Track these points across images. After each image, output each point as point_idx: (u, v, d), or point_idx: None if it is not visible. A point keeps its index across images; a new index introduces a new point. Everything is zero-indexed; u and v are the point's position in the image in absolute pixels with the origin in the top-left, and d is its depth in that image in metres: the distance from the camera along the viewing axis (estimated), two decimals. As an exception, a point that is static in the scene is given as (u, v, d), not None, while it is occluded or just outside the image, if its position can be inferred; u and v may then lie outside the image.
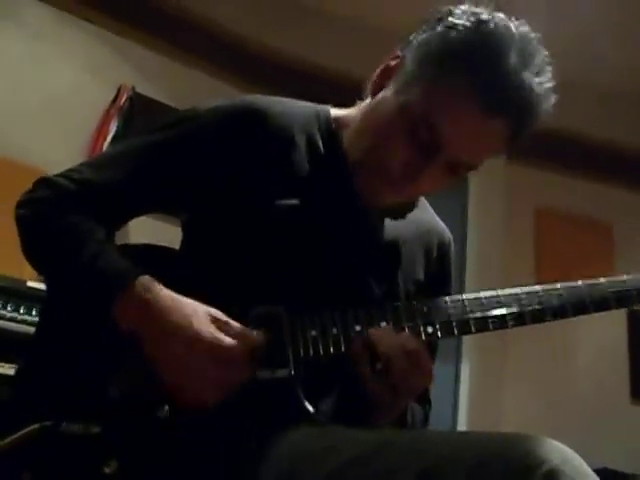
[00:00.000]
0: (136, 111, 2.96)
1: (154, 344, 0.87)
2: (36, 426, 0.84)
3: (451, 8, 0.96)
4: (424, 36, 0.96)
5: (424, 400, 1.10)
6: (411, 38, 0.99)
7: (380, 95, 1.02)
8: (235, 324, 0.88)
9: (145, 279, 0.89)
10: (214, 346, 0.85)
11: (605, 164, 3.81)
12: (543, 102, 0.93)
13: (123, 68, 3.09)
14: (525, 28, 0.93)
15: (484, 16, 0.92)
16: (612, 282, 1.00)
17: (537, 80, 0.91)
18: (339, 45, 3.33)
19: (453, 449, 0.71)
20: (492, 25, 0.91)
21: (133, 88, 3.01)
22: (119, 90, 3.00)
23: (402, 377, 0.90)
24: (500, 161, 3.71)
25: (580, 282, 1.00)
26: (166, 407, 0.88)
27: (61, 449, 0.86)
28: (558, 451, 0.67)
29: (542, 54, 0.93)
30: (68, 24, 2.99)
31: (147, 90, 3.05)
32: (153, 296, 0.88)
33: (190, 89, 3.08)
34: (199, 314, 0.87)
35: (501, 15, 0.93)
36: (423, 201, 1.19)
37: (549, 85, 0.93)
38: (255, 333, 0.88)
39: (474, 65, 0.90)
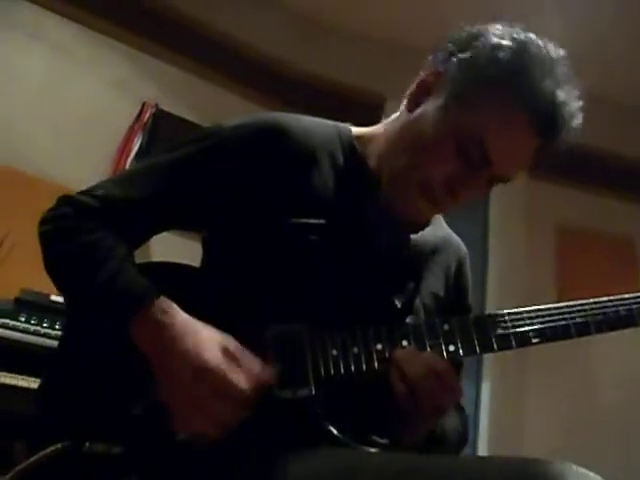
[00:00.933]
0: (159, 128, 2.99)
1: (162, 368, 0.87)
2: (58, 446, 0.85)
3: (487, 26, 0.99)
4: (467, 54, 0.98)
5: (456, 408, 1.10)
6: (450, 54, 1.01)
7: (419, 111, 1.02)
8: (247, 357, 0.87)
9: (162, 301, 0.90)
10: (219, 380, 0.85)
11: (627, 180, 3.77)
12: (576, 121, 0.97)
13: (147, 85, 3.13)
14: (558, 50, 0.97)
15: (522, 36, 0.96)
16: (637, 298, 0.99)
17: (572, 101, 0.96)
18: (363, 64, 3.35)
19: (476, 475, 0.70)
20: (534, 47, 0.95)
21: (157, 105, 3.05)
22: (143, 107, 3.04)
23: (431, 398, 0.89)
24: (521, 178, 3.70)
25: (605, 298, 0.99)
26: None
27: (83, 469, 0.86)
28: (583, 477, 0.66)
29: (571, 75, 0.97)
30: (91, 41, 3.04)
31: (170, 107, 3.08)
32: (169, 319, 0.88)
33: (213, 106, 3.11)
34: (211, 343, 0.87)
35: (533, 36, 0.97)
36: (439, 216, 1.20)
37: (579, 105, 0.98)
38: (265, 370, 0.88)
39: (522, 87, 0.93)
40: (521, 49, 0.95)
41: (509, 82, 0.94)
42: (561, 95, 0.94)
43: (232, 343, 0.88)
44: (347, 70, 3.45)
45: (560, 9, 3.09)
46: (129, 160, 2.90)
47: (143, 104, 3.05)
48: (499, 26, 0.99)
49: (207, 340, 0.87)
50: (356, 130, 1.12)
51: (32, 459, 0.84)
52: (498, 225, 3.66)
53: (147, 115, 3.03)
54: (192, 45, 3.28)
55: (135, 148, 2.94)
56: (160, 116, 3.03)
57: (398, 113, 1.08)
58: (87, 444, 0.85)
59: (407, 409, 0.91)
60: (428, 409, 0.90)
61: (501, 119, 0.95)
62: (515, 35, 0.96)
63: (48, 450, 0.84)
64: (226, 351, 0.87)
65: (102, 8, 3.08)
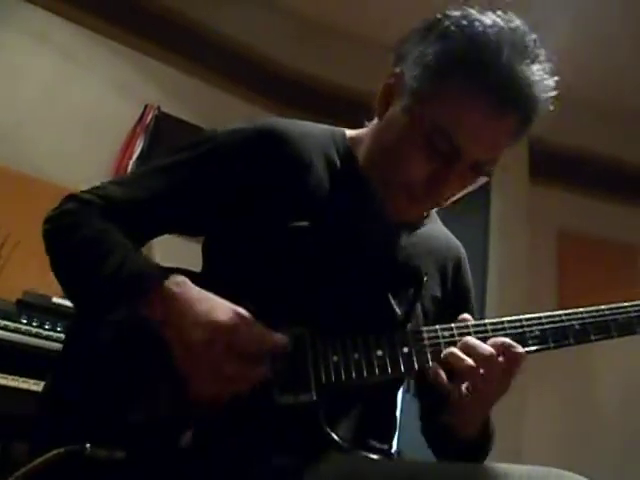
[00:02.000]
0: (162, 130, 3.00)
1: (176, 332, 0.87)
2: (61, 450, 0.84)
3: (438, 15, 0.98)
4: (419, 49, 0.98)
5: None
6: (403, 52, 1.01)
7: (388, 114, 1.03)
8: (259, 325, 0.88)
9: (175, 275, 0.90)
10: (232, 338, 0.85)
11: (629, 186, 3.78)
12: (543, 89, 0.94)
13: (149, 87, 3.14)
14: (515, 21, 0.95)
15: (472, 17, 0.94)
16: (636, 306, 0.99)
17: (534, 69, 0.93)
18: (365, 67, 3.35)
19: None
20: (481, 27, 0.93)
21: (159, 107, 3.06)
22: (145, 109, 3.05)
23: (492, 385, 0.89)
24: (522, 183, 3.70)
25: (603, 306, 0.99)
26: (189, 433, 0.87)
27: (85, 474, 0.86)
28: None
29: (533, 43, 0.94)
30: (95, 44, 3.05)
31: (173, 109, 3.09)
32: (181, 289, 0.89)
33: (215, 108, 3.12)
34: (224, 307, 0.88)
35: (490, 12, 0.95)
36: (434, 216, 1.20)
37: (546, 71, 0.94)
38: (278, 337, 0.88)
39: (474, 70, 0.92)
40: (469, 33, 0.93)
41: (461, 69, 0.93)
42: (518, 68, 0.91)
43: (245, 311, 0.88)
44: (349, 73, 3.46)
45: (565, 12, 3.09)
46: (131, 162, 2.90)
47: (145, 106, 3.06)
48: (453, 11, 0.97)
49: (220, 304, 0.88)
50: (350, 133, 1.13)
51: (33, 463, 0.84)
52: (499, 230, 3.66)
53: (149, 117, 3.04)
54: (194, 48, 3.29)
55: (137, 150, 2.95)
56: (162, 118, 3.04)
57: (372, 125, 1.09)
58: (89, 448, 0.85)
59: (460, 403, 0.90)
60: (483, 396, 0.90)
61: (460, 106, 0.93)
62: (464, 18, 0.94)
63: (50, 454, 0.84)
64: (238, 314, 0.87)
65: (106, 11, 3.09)
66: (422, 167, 0.97)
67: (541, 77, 0.94)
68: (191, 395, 0.86)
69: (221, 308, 0.87)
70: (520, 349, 0.90)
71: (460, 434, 0.97)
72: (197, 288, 0.90)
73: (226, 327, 0.85)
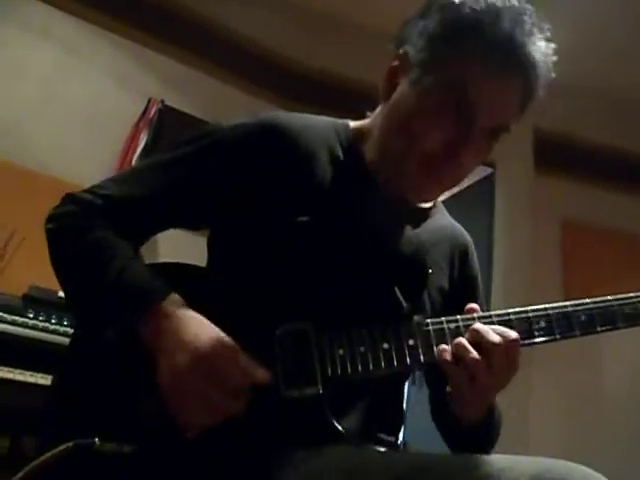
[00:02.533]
0: (165, 124, 2.99)
1: (161, 352, 0.88)
2: (70, 444, 0.85)
3: None
4: (421, 24, 1.01)
5: None
6: (405, 34, 1.04)
7: (395, 95, 1.04)
8: (244, 357, 0.87)
9: (170, 297, 0.91)
10: (215, 366, 0.85)
11: (634, 176, 3.76)
12: (544, 55, 0.97)
13: (152, 81, 3.13)
14: None
15: None
16: None
17: (534, 36, 0.96)
18: (370, 58, 3.34)
19: (483, 477, 0.71)
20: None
21: (162, 101, 3.05)
22: (148, 103, 3.05)
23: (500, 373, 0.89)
24: (527, 174, 3.69)
25: (610, 297, 0.99)
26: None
27: (94, 468, 0.87)
28: (591, 479, 0.67)
29: (532, 12, 0.98)
30: (98, 37, 3.04)
31: (176, 103, 3.09)
32: (173, 311, 0.89)
33: (219, 101, 3.12)
34: (212, 335, 0.87)
35: None
36: (440, 207, 1.20)
37: (546, 39, 0.98)
38: (260, 372, 0.87)
39: (478, 33, 0.95)
40: (469, 2, 0.96)
41: (465, 33, 0.96)
42: (519, 34, 0.95)
43: (231, 342, 0.88)
44: (356, 65, 3.45)
45: (562, 2, 3.08)
46: (135, 156, 2.90)
47: (149, 100, 3.05)
48: None
49: (208, 331, 0.88)
50: (354, 124, 1.13)
51: (42, 458, 0.85)
52: (504, 221, 3.66)
53: (153, 111, 3.03)
54: (198, 41, 3.28)
55: (141, 144, 2.94)
56: (166, 112, 3.03)
57: (378, 111, 1.10)
58: (98, 442, 0.85)
59: (465, 391, 0.90)
60: (490, 387, 0.90)
61: (470, 67, 0.96)
62: None
63: (59, 448, 0.85)
64: (224, 344, 0.87)
65: (108, 5, 3.09)
66: (439, 133, 0.97)
67: (541, 43, 0.97)
68: (172, 415, 0.86)
69: (209, 336, 0.87)
70: (513, 334, 0.90)
71: (464, 421, 0.97)
72: (189, 310, 0.90)
73: (210, 356, 0.85)
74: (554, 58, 0.99)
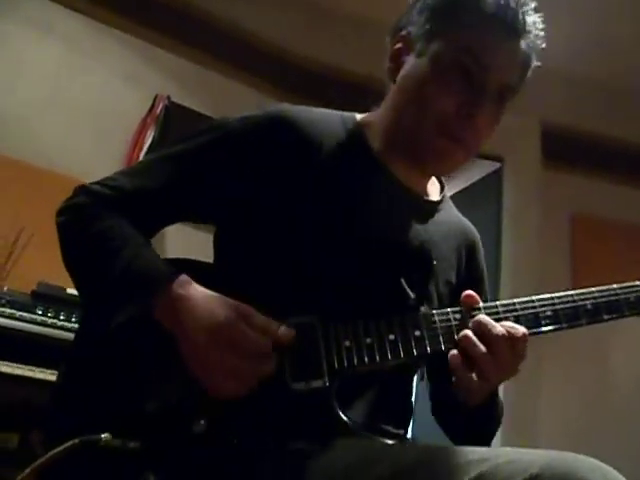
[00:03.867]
0: (172, 120, 2.99)
1: (181, 332, 0.88)
2: (76, 440, 0.85)
3: None
4: (419, 4, 1.07)
5: None
6: (404, 18, 1.09)
7: (402, 72, 1.07)
8: (261, 317, 0.88)
9: (181, 277, 0.91)
10: (233, 336, 0.86)
11: (643, 169, 3.74)
12: (536, 25, 1.04)
13: (159, 77, 3.13)
14: None
15: None
16: None
17: (525, 8, 1.02)
18: (376, 53, 3.33)
19: (492, 469, 0.70)
20: None
21: (169, 97, 3.05)
22: (155, 99, 3.05)
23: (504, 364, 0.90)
24: (535, 167, 3.67)
25: (615, 285, 0.99)
26: (202, 421, 0.88)
27: (100, 464, 0.87)
28: (601, 472, 0.66)
29: None
30: (104, 34, 3.04)
31: (183, 99, 3.09)
32: (185, 291, 0.90)
33: (225, 97, 3.12)
34: (225, 305, 0.88)
35: None
36: (448, 201, 1.19)
37: (534, 11, 1.04)
38: (282, 329, 0.88)
39: (479, 3, 1.00)
40: None
41: (464, 1, 1.02)
42: (515, 3, 1.01)
43: (246, 307, 0.89)
44: (361, 59, 3.43)
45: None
46: (142, 153, 2.90)
47: (155, 97, 3.05)
48: None
49: (221, 303, 0.89)
50: (360, 116, 1.14)
51: (49, 454, 0.85)
52: (512, 214, 3.64)
53: (159, 108, 3.03)
54: (204, 37, 3.28)
55: (148, 141, 2.95)
56: (172, 108, 3.03)
57: (386, 96, 1.13)
58: (104, 439, 0.85)
59: (470, 382, 0.91)
60: (496, 377, 0.91)
61: (477, 28, 1.01)
62: None
63: (65, 445, 0.85)
64: (238, 311, 0.88)
65: (113, 2, 3.09)
66: (453, 96, 1.00)
67: (532, 13, 1.03)
68: (209, 392, 0.87)
69: (222, 307, 0.88)
70: (522, 330, 0.91)
71: (467, 405, 0.97)
72: (200, 288, 0.91)
73: (227, 326, 0.86)
74: (542, 28, 1.04)
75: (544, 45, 1.05)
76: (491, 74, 1.01)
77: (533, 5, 1.04)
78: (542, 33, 1.04)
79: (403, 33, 1.08)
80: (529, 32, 1.03)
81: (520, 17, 1.01)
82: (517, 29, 1.02)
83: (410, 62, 1.06)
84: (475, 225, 1.23)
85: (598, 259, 3.48)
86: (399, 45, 1.09)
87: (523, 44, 1.02)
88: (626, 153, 3.73)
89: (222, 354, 0.85)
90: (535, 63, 1.06)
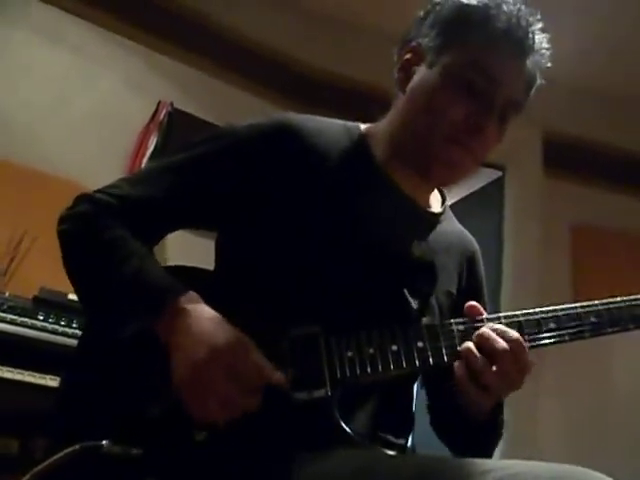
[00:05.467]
0: (175, 127, 2.99)
1: (178, 348, 0.88)
2: (77, 447, 0.85)
3: None
4: (431, 16, 1.08)
5: None
6: (413, 30, 1.11)
7: (412, 83, 1.08)
8: (260, 356, 0.88)
9: (187, 294, 0.91)
10: (231, 362, 0.85)
11: (644, 179, 3.74)
12: (542, 44, 1.06)
13: (162, 84, 3.14)
14: None
15: None
16: None
17: (533, 27, 1.05)
18: (379, 62, 3.34)
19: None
20: None
21: (172, 104, 3.06)
22: (158, 106, 3.05)
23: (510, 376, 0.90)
24: (536, 176, 3.68)
25: (619, 298, 0.99)
26: (203, 430, 0.88)
27: (102, 470, 0.87)
28: None
29: (525, 5, 1.06)
30: (108, 41, 3.05)
31: (186, 106, 3.09)
32: (190, 307, 0.90)
33: (228, 105, 3.12)
34: (228, 331, 0.88)
35: None
36: (449, 213, 1.20)
37: (541, 31, 1.06)
38: (276, 374, 0.88)
39: (488, 19, 1.02)
40: None
41: (478, 17, 1.03)
42: (524, 22, 1.03)
43: (247, 338, 0.89)
44: (364, 68, 3.44)
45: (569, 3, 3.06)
46: (145, 159, 2.91)
47: (158, 103, 3.06)
48: None
49: (224, 328, 0.88)
50: (364, 127, 1.15)
51: (50, 460, 0.85)
52: (513, 223, 3.64)
53: (162, 114, 3.04)
54: (207, 44, 3.29)
55: (151, 147, 2.95)
56: (175, 115, 3.04)
57: (393, 105, 1.14)
58: (105, 445, 0.85)
59: (473, 394, 0.91)
60: (500, 390, 0.92)
61: (486, 45, 1.02)
62: None
63: (66, 451, 0.85)
64: (240, 340, 0.88)
65: (118, 9, 3.10)
66: (462, 107, 1.02)
67: (539, 33, 1.05)
68: (190, 414, 0.86)
69: (225, 332, 0.88)
70: (521, 339, 0.91)
71: (469, 415, 0.98)
72: (204, 306, 0.91)
73: (228, 351, 0.86)
74: (549, 48, 1.07)
75: (549, 65, 1.07)
76: (499, 89, 1.02)
77: (540, 25, 1.05)
78: (548, 53, 1.06)
79: (413, 44, 1.10)
80: (536, 51, 1.05)
81: (530, 36, 1.03)
82: (526, 48, 1.04)
83: (420, 73, 1.07)
84: (476, 233, 1.23)
85: (599, 269, 3.48)
86: (409, 56, 1.10)
87: (529, 62, 1.05)
88: (628, 163, 3.74)
89: (217, 378, 0.85)
90: (539, 81, 1.08)
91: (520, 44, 1.03)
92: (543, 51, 1.06)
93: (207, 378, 0.85)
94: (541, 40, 1.05)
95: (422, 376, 1.16)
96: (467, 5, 1.04)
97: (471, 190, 3.75)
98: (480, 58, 1.02)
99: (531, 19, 1.04)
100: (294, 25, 3.45)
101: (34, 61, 2.88)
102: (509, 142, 1.11)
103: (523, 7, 1.04)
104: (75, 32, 2.98)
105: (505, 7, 1.03)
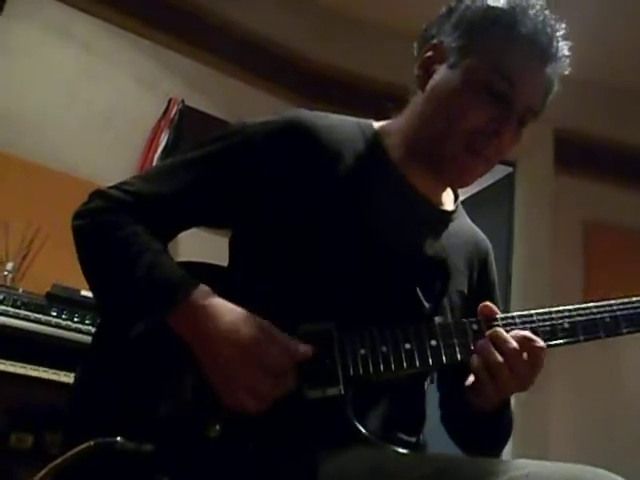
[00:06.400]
0: (186, 124, 3.01)
1: (204, 349, 0.89)
2: (91, 443, 0.85)
3: None
4: (455, 16, 1.07)
5: None
6: (436, 27, 1.09)
7: (432, 82, 1.07)
8: (281, 335, 0.89)
9: (200, 288, 0.91)
10: (260, 355, 0.86)
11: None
12: (564, 52, 1.05)
13: (173, 81, 3.15)
14: None
15: None
16: None
17: (557, 35, 1.03)
18: (388, 58, 3.34)
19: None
20: None
21: (183, 101, 3.07)
22: (169, 103, 3.06)
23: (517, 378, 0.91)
24: (548, 173, 3.66)
25: (634, 298, 0.99)
26: (217, 426, 0.88)
27: (115, 467, 0.87)
28: None
29: (549, 11, 1.05)
30: (119, 38, 3.07)
31: (197, 103, 3.10)
32: (207, 302, 0.90)
33: (239, 101, 3.13)
34: (248, 321, 0.89)
35: None
36: (462, 212, 1.20)
37: (563, 38, 1.05)
38: (301, 347, 0.89)
39: (514, 21, 1.01)
40: None
41: (504, 20, 1.02)
42: (550, 29, 1.02)
43: (267, 324, 0.89)
44: (374, 64, 3.45)
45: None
46: (156, 156, 2.92)
47: (169, 100, 3.07)
48: None
49: (243, 318, 0.89)
50: (377, 124, 1.14)
51: (64, 456, 0.86)
52: (524, 220, 3.63)
53: (174, 111, 3.05)
54: (218, 42, 3.30)
55: (162, 144, 2.96)
56: (186, 112, 3.05)
57: (411, 103, 1.13)
58: (119, 441, 0.86)
59: (486, 389, 0.92)
60: (512, 388, 0.92)
61: (508, 50, 1.02)
62: None
63: (80, 447, 0.85)
64: (262, 328, 0.88)
65: (128, 6, 3.11)
66: (481, 112, 1.01)
67: (562, 40, 1.04)
68: (226, 406, 0.87)
69: (247, 323, 0.88)
70: (541, 342, 0.91)
71: (477, 411, 0.98)
72: (220, 300, 0.91)
73: (251, 342, 0.87)
74: (569, 55, 1.05)
75: (567, 72, 1.06)
76: (519, 95, 1.02)
77: (563, 32, 1.04)
78: (568, 60, 1.05)
79: (435, 42, 1.08)
80: (559, 59, 1.04)
81: (553, 43, 1.03)
82: (549, 55, 1.03)
83: (441, 73, 1.06)
84: (486, 230, 1.23)
85: (611, 266, 3.46)
86: (430, 53, 1.08)
87: (550, 69, 1.04)
88: (638, 159, 3.71)
89: (247, 371, 0.86)
90: (557, 88, 1.07)
91: (543, 51, 1.02)
92: (564, 59, 1.05)
93: (237, 375, 0.86)
94: (563, 47, 1.04)
95: (436, 372, 1.16)
96: (493, 8, 1.03)
97: (482, 186, 3.74)
98: (503, 63, 1.01)
99: (556, 25, 1.03)
100: (304, 22, 3.46)
101: (45, 58, 2.90)
102: (526, 127, 1.10)
103: (548, 12, 1.03)
104: (86, 29, 3.00)
105: (531, 12, 1.02)
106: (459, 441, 1.13)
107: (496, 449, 1.10)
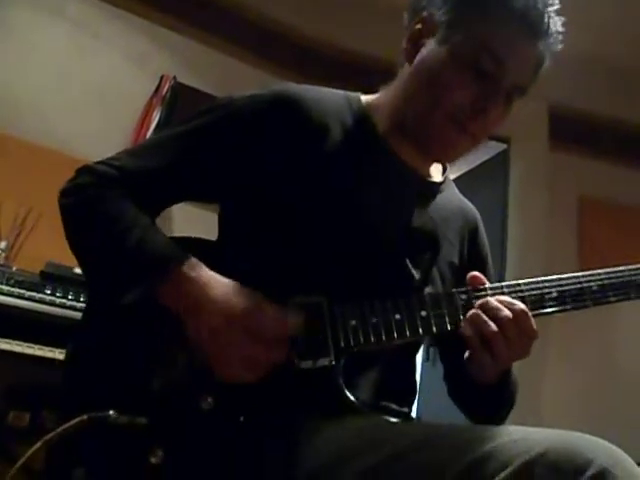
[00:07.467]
0: (178, 100, 2.99)
1: (193, 319, 0.89)
2: (84, 417, 0.86)
3: None
4: None
5: None
6: (424, 1, 1.07)
7: (420, 55, 1.06)
8: (273, 305, 0.89)
9: (189, 259, 0.92)
10: (248, 323, 0.87)
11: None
12: (557, 28, 1.03)
13: (165, 58, 3.13)
14: None
15: None
16: None
17: (550, 10, 1.01)
18: (377, 32, 3.31)
19: (497, 448, 0.70)
20: None
21: (175, 78, 3.05)
22: (161, 80, 3.04)
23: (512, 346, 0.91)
24: (542, 149, 3.66)
25: (622, 267, 1.00)
26: (209, 399, 0.89)
27: (108, 440, 0.88)
28: (607, 451, 0.66)
29: None
30: (110, 15, 3.04)
31: (189, 79, 3.08)
32: (195, 273, 0.90)
33: (231, 78, 3.11)
34: (238, 291, 0.89)
35: None
36: (451, 183, 1.20)
37: (556, 14, 1.03)
38: (292, 317, 0.89)
39: (509, 1, 0.99)
40: None
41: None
42: (542, 4, 1.00)
43: (257, 294, 0.90)
44: (363, 38, 3.42)
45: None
46: (149, 133, 2.91)
47: (161, 77, 3.05)
48: None
49: (233, 288, 0.90)
50: (365, 98, 1.14)
51: (57, 430, 0.86)
52: (518, 197, 3.63)
53: (165, 88, 3.03)
54: (209, 18, 3.27)
55: (155, 121, 2.95)
56: (178, 89, 3.03)
57: (398, 76, 1.12)
58: (111, 415, 0.87)
59: (483, 360, 0.92)
60: (508, 357, 0.92)
61: (497, 29, 1.00)
62: None
63: (73, 421, 0.86)
64: (252, 298, 0.89)
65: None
66: (468, 88, 1.01)
67: (555, 16, 1.02)
68: (216, 376, 0.88)
69: (235, 293, 0.89)
70: (522, 306, 0.91)
71: (480, 382, 0.99)
72: (210, 272, 0.92)
73: (242, 312, 0.87)
74: (562, 31, 1.03)
75: (560, 47, 1.04)
76: (506, 73, 1.01)
77: (556, 7, 1.02)
78: (561, 36, 1.04)
79: (424, 14, 1.07)
80: (550, 35, 1.02)
81: (545, 19, 1.01)
82: (540, 31, 1.01)
83: (429, 47, 1.05)
84: (480, 207, 1.23)
85: (605, 241, 3.47)
86: (419, 26, 1.07)
87: (541, 45, 1.02)
88: (633, 136, 3.71)
89: (239, 340, 0.86)
90: (547, 63, 1.05)
91: (534, 27, 1.00)
92: (556, 35, 1.03)
93: (229, 345, 0.86)
94: (555, 23, 1.02)
95: (438, 347, 1.17)
96: None
97: (476, 163, 3.74)
98: (491, 40, 1.00)
99: (549, 1, 1.01)
100: (298, -2, 3.42)
101: (36, 37, 2.87)
102: (514, 115, 1.10)
103: None
104: (76, 6, 2.97)
105: None
106: (466, 412, 1.15)
107: (502, 416, 1.11)
